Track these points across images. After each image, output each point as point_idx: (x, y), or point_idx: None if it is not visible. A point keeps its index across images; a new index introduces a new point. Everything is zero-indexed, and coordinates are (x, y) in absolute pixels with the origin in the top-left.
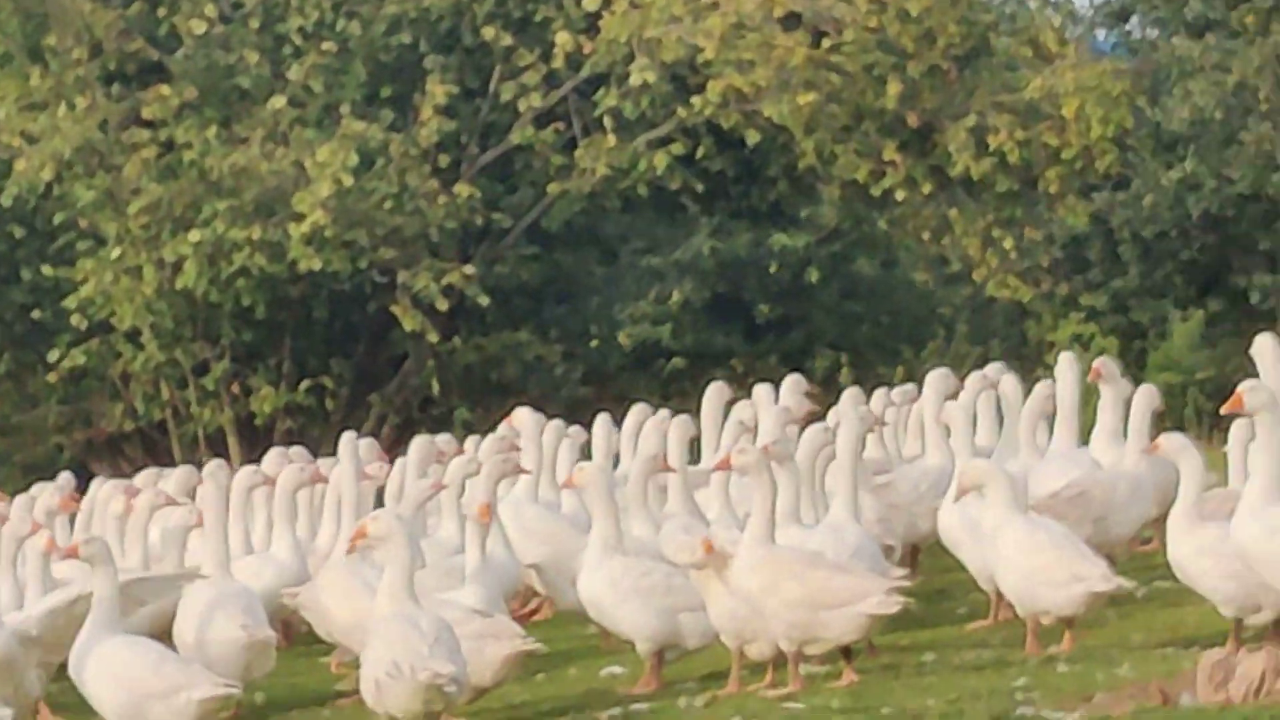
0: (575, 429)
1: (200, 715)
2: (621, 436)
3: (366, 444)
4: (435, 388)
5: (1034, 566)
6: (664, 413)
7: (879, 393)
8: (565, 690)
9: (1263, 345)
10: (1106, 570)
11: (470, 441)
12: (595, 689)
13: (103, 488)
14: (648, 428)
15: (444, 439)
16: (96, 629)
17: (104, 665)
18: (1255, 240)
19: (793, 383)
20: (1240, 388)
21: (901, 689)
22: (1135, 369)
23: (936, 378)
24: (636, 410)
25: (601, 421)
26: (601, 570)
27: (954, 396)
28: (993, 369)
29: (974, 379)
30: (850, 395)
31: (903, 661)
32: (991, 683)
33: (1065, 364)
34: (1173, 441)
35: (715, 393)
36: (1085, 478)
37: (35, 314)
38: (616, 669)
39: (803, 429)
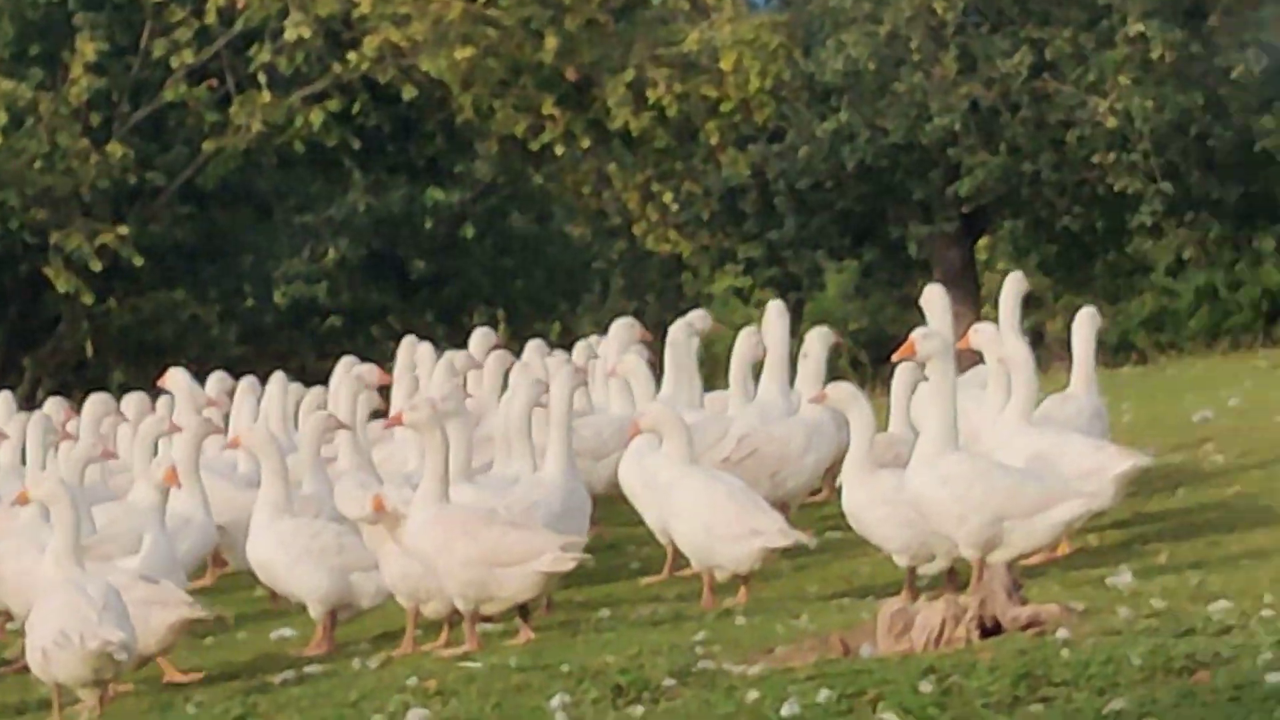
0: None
1: None
2: (330, 393)
3: (54, 403)
4: (90, 349)
5: (710, 521)
6: (367, 368)
7: (581, 344)
8: (235, 655)
9: (932, 295)
10: (784, 525)
11: (162, 402)
12: (266, 653)
13: None
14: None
15: (136, 398)
16: None
17: None
18: (909, 190)
19: (481, 337)
20: (914, 334)
21: (580, 646)
22: (792, 320)
23: (620, 328)
24: (343, 364)
25: (277, 380)
26: (271, 531)
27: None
28: (696, 316)
29: (677, 327)
30: (533, 347)
31: (580, 618)
32: (671, 637)
33: (774, 312)
34: (841, 391)
35: (408, 347)
36: (757, 435)
37: None
38: (287, 631)
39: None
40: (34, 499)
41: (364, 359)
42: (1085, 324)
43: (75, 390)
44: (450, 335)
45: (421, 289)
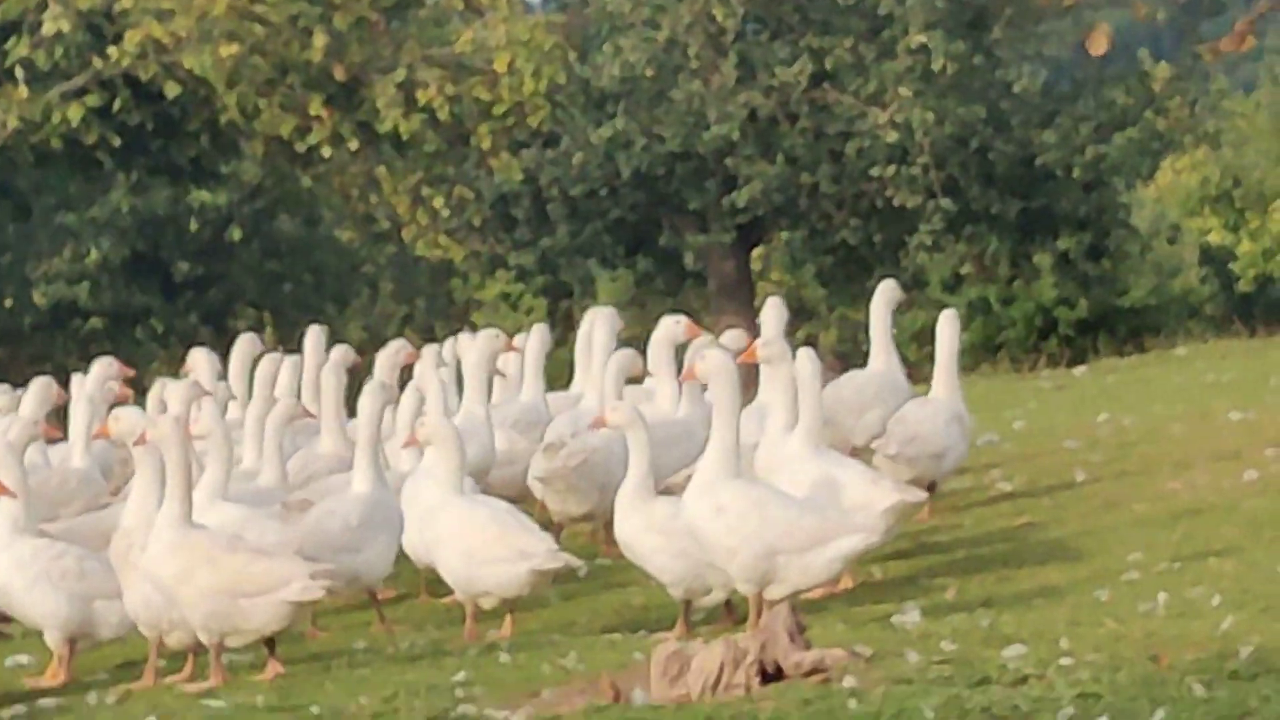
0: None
1: None
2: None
3: None
4: None
5: (472, 545)
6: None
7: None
8: None
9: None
10: (552, 546)
11: None
12: None
13: None
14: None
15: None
16: None
17: None
18: (685, 199)
19: (315, 335)
20: (695, 358)
21: (332, 684)
22: (564, 329)
23: (484, 338)
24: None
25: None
26: (9, 552)
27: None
28: (485, 334)
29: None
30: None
31: (333, 650)
32: (429, 676)
33: (602, 318)
34: (620, 413)
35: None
36: (583, 445)
37: None
38: (23, 658)
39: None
40: None
41: (126, 362)
42: (947, 326)
43: None
44: (215, 339)
45: (186, 291)
